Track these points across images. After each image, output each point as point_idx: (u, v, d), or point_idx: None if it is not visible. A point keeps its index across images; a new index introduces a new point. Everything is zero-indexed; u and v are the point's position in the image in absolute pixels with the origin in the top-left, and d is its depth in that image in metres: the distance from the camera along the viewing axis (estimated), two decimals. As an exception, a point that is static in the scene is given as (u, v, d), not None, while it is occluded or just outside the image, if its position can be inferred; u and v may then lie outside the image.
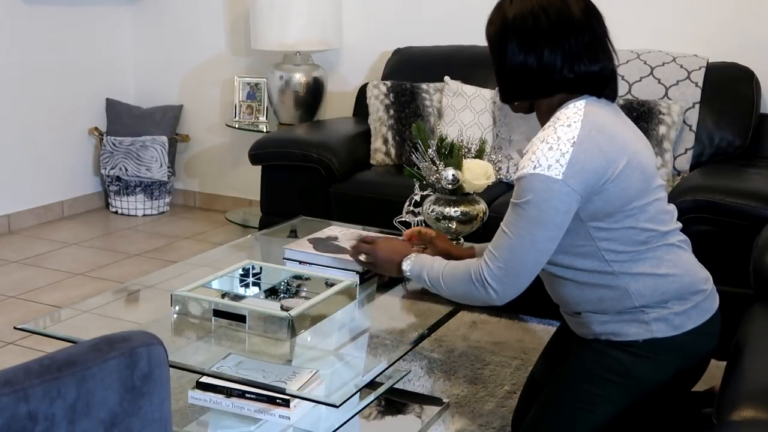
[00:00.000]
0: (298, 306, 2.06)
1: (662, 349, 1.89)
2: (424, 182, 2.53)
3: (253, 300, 2.22)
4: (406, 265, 2.07)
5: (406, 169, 2.62)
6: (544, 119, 1.94)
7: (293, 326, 1.99)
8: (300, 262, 2.42)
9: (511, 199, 1.86)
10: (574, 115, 1.83)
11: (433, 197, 2.56)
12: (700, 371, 2.01)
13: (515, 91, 1.96)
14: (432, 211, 2.51)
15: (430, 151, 2.49)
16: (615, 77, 1.93)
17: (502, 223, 1.88)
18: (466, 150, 2.50)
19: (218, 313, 2.06)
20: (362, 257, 2.23)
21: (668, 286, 1.88)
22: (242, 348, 2.09)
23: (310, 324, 2.07)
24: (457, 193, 2.51)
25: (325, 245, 2.48)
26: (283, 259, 2.46)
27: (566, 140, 1.79)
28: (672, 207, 1.99)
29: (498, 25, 1.92)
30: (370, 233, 2.54)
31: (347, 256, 2.34)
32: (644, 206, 1.87)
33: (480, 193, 2.51)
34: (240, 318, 2.03)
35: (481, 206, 2.54)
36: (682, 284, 1.90)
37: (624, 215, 1.85)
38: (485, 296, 1.88)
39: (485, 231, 2.48)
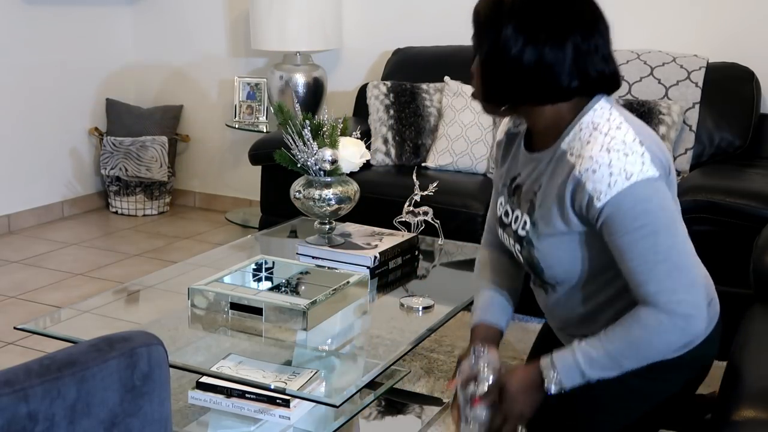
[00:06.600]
0: (312, 298, 2.09)
1: (675, 368, 1.74)
2: (299, 165, 2.46)
3: (267, 293, 2.24)
4: (549, 375, 1.64)
5: (277, 153, 2.50)
6: (551, 128, 1.69)
7: (308, 317, 2.02)
8: (313, 257, 2.44)
9: (623, 234, 1.58)
10: (614, 118, 1.63)
11: (302, 181, 2.48)
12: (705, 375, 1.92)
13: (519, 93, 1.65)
14: (304, 197, 2.46)
15: (304, 131, 2.41)
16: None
17: (636, 270, 1.59)
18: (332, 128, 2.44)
19: (235, 306, 2.10)
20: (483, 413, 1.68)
21: None
22: (258, 340, 2.11)
23: (323, 315, 2.11)
24: (333, 174, 2.45)
25: (339, 241, 2.49)
26: (297, 254, 2.47)
27: (631, 142, 1.59)
28: None
29: (491, 7, 1.63)
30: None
31: (359, 252, 2.35)
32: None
33: None
34: (256, 311, 2.08)
35: (353, 186, 2.50)
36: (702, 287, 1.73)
37: None
38: (693, 331, 1.61)
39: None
